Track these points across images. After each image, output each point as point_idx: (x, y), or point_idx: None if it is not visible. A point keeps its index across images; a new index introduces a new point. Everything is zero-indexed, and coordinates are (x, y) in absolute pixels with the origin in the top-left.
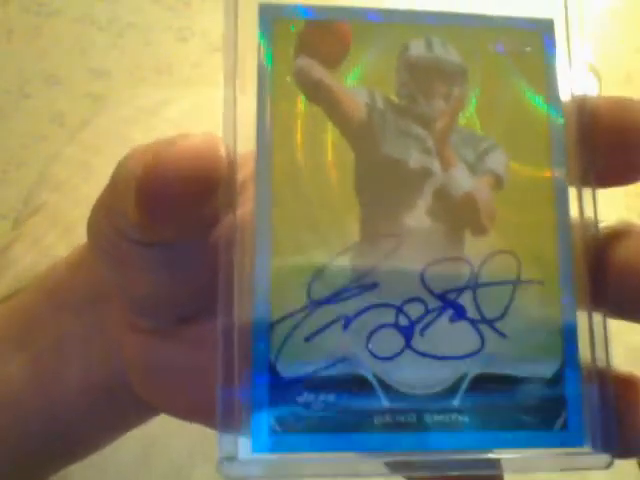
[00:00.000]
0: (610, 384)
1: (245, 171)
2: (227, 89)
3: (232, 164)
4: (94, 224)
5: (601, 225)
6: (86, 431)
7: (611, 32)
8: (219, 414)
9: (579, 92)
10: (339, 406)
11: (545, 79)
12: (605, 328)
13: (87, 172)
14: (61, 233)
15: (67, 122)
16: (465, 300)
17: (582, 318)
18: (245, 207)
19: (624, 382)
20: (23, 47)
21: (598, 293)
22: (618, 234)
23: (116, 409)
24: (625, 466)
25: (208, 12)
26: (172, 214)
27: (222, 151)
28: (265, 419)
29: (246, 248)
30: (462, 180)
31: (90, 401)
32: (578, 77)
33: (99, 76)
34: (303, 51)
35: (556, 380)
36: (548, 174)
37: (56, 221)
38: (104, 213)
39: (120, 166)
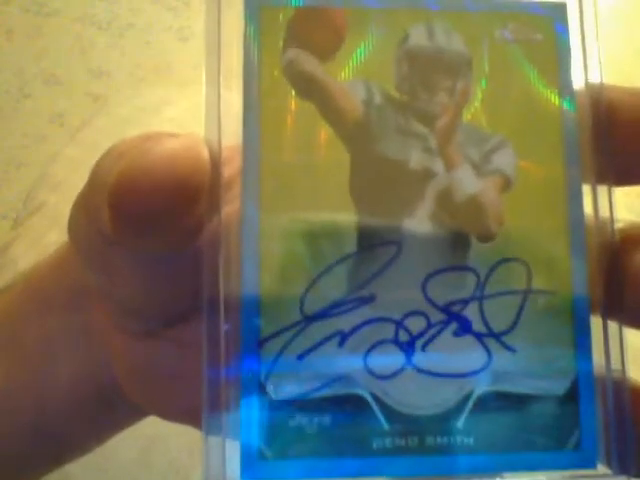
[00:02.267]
0: (627, 399)
1: (231, 168)
2: (209, 86)
3: (216, 166)
4: (74, 224)
5: (617, 226)
6: (77, 431)
7: (614, 33)
8: (205, 420)
9: (593, 83)
10: (335, 429)
11: (557, 69)
12: (621, 339)
13: (87, 172)
14: (61, 233)
15: (67, 122)
16: (470, 312)
17: (597, 329)
18: (231, 206)
19: None
20: (23, 47)
21: (614, 302)
22: (636, 237)
23: (106, 409)
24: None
25: None
26: (149, 227)
27: (203, 156)
28: (255, 443)
29: (232, 257)
30: (467, 182)
31: (79, 401)
32: (592, 66)
33: (99, 76)
34: (293, 42)
35: (568, 397)
36: (560, 173)
37: (56, 221)
38: (83, 213)
39: (98, 164)
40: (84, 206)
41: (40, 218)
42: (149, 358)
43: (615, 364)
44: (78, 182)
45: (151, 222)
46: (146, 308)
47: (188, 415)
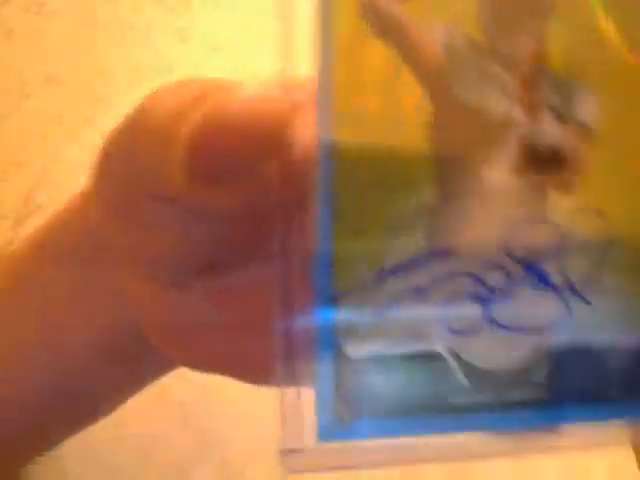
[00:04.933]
0: None
1: (301, 93)
2: (282, 22)
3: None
4: (105, 172)
5: None
6: (97, 386)
7: None
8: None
9: None
10: (412, 386)
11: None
12: None
13: (87, 172)
14: None
15: (67, 122)
16: (550, 265)
17: None
18: (305, 132)
19: None
20: (23, 47)
21: None
22: None
23: (127, 362)
24: (625, 466)
25: (209, 12)
26: (229, 175)
27: (285, 106)
28: (331, 404)
29: (306, 205)
30: (550, 130)
31: (100, 354)
32: None
33: (99, 76)
34: None
35: None
36: None
37: None
38: (123, 160)
39: (146, 110)
40: (127, 151)
41: (40, 218)
42: (180, 308)
43: None
44: (78, 182)
45: (232, 170)
46: (180, 261)
47: (221, 365)
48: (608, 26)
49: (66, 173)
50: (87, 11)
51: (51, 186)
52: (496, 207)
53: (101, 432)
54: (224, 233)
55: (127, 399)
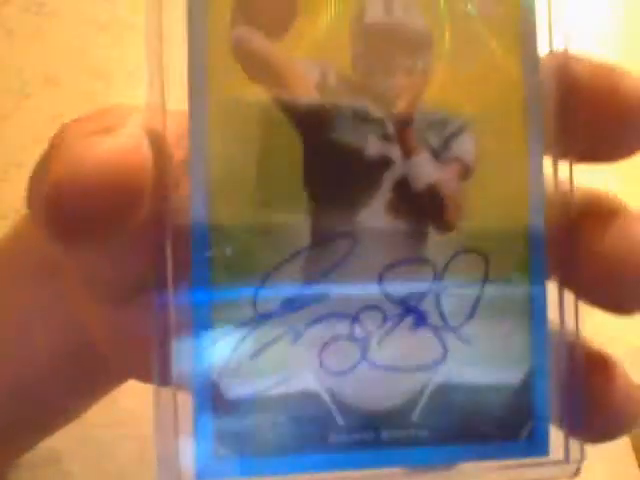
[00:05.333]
0: (579, 369)
1: (177, 154)
2: (151, 67)
3: (161, 158)
4: (30, 200)
5: (576, 201)
6: (56, 398)
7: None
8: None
9: (559, 56)
10: (291, 426)
11: (521, 42)
12: (577, 317)
13: None
14: None
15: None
16: (427, 305)
17: (553, 307)
18: (179, 200)
19: (594, 362)
20: (23, 47)
21: (571, 280)
22: (594, 214)
23: (85, 375)
24: (625, 466)
25: None
26: (87, 235)
27: (144, 156)
28: (209, 443)
29: (181, 249)
30: (426, 170)
31: (57, 367)
32: (560, 38)
33: (99, 76)
34: (242, 18)
35: (523, 387)
36: (523, 155)
37: None
38: (38, 186)
39: (41, 156)
40: (30, 192)
41: None
42: (122, 324)
43: (570, 338)
44: None
45: (90, 230)
46: (112, 279)
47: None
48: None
49: None
50: (87, 11)
51: None
52: (372, 247)
53: (101, 432)
54: (143, 255)
55: (89, 407)
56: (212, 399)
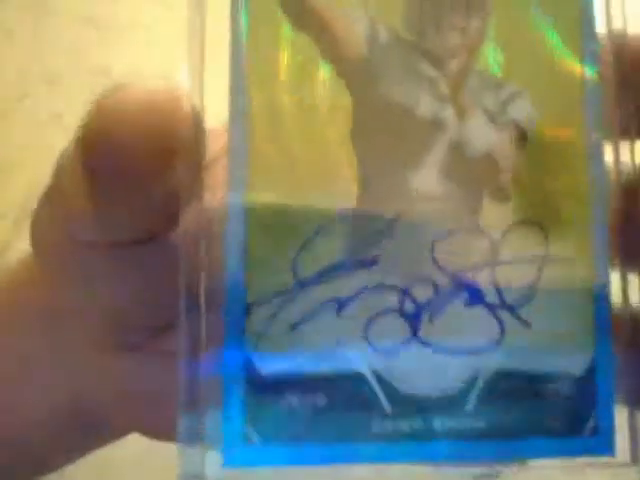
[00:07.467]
0: None
1: (214, 147)
2: (193, 12)
3: (198, 118)
4: (39, 231)
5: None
6: (48, 452)
7: None
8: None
9: (618, 30)
10: (330, 410)
11: (579, 19)
12: None
13: None
14: None
15: (67, 122)
16: (483, 281)
17: (617, 294)
18: (214, 194)
19: None
20: (23, 47)
21: (635, 263)
22: None
23: (85, 432)
24: (625, 466)
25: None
26: (127, 182)
27: (182, 104)
28: (238, 426)
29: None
30: (481, 133)
31: (54, 422)
32: (618, 12)
33: (99, 76)
34: None
35: (586, 377)
36: (580, 128)
37: None
38: (48, 213)
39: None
40: (51, 201)
41: None
42: (134, 373)
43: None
44: None
45: (129, 175)
46: (128, 316)
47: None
48: (546, 30)
49: None
50: (87, 11)
51: None
52: (424, 215)
53: None
54: (162, 279)
55: (78, 459)
56: (244, 375)
